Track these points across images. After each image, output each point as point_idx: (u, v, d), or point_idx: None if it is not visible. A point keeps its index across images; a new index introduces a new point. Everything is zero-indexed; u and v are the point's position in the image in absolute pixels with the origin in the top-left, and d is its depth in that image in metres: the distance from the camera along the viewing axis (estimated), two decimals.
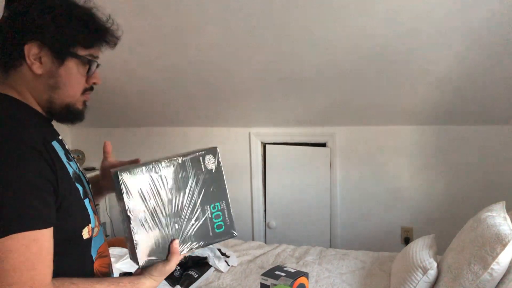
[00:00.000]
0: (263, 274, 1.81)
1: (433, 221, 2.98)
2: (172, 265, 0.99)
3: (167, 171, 0.98)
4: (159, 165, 0.97)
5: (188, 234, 1.00)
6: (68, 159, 0.99)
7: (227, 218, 1.06)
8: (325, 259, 2.47)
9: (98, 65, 1.00)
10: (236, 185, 3.46)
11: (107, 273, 1.06)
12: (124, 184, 0.93)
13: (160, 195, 0.97)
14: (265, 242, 3.27)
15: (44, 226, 0.85)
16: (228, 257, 2.47)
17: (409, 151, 3.00)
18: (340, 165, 3.17)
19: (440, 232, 2.50)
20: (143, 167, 0.96)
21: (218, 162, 1.08)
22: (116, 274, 2.21)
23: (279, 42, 2.28)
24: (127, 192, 0.94)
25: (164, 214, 0.97)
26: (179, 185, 0.99)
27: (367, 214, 3.15)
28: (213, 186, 1.05)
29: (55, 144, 0.95)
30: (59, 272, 0.91)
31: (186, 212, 1.00)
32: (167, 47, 2.43)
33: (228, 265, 2.41)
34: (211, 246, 2.50)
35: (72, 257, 0.96)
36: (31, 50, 0.90)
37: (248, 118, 3.23)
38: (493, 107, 2.61)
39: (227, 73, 2.64)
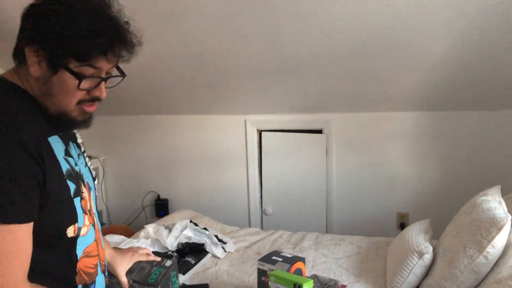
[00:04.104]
0: (260, 260, 1.82)
1: (429, 206, 3.00)
2: None
3: None
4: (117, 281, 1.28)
5: None
6: (68, 154, 0.99)
7: None
8: (321, 245, 2.48)
9: (104, 79, 0.94)
10: (232, 173, 3.47)
11: (92, 274, 1.05)
12: None
13: None
14: (262, 229, 3.28)
15: (22, 220, 0.85)
16: (225, 243, 2.48)
17: (405, 137, 3.01)
18: (336, 151, 3.18)
19: (435, 217, 2.51)
20: (112, 279, 1.26)
21: None
22: None
23: (274, 28, 2.26)
24: None
25: None
26: None
27: (362, 200, 3.17)
28: None
29: (53, 139, 0.95)
30: (40, 266, 0.93)
31: None
32: (161, 35, 2.41)
33: (225, 251, 2.42)
34: (207, 232, 2.51)
35: (55, 253, 0.96)
36: (29, 53, 0.89)
37: (243, 105, 3.22)
38: (488, 92, 2.62)
39: (222, 60, 2.62)
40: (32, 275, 0.91)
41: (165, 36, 2.43)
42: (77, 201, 0.98)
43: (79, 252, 1.00)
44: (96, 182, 1.15)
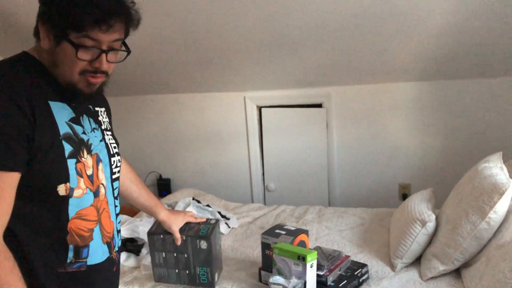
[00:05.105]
0: (264, 233, 1.83)
1: (431, 176, 3.00)
2: None
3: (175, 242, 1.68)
4: (172, 238, 1.67)
5: (183, 277, 1.73)
6: (76, 122, 1.07)
7: (209, 277, 1.70)
8: (324, 217, 2.49)
9: (104, 51, 1.00)
10: (233, 150, 3.46)
11: (85, 237, 1.08)
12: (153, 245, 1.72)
13: (170, 253, 1.70)
14: (264, 205, 3.29)
15: (1, 167, 0.92)
16: (228, 219, 2.49)
17: (406, 107, 2.99)
18: (336, 125, 3.17)
19: (438, 187, 2.51)
20: (167, 236, 1.67)
21: (209, 244, 1.65)
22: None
23: (270, 1, 2.22)
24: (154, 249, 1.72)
25: (173, 264, 1.71)
26: (182, 250, 1.68)
27: (364, 172, 3.17)
28: (203, 257, 1.67)
29: (56, 104, 1.03)
30: (33, 221, 1.01)
31: (184, 266, 1.70)
32: (155, 12, 2.37)
33: (229, 227, 2.44)
34: (210, 209, 2.52)
35: (47, 210, 1.02)
36: (40, 28, 1.00)
37: (242, 82, 3.20)
38: (489, 59, 2.58)
39: (218, 36, 2.59)
40: (26, 230, 1.00)
41: (162, 14, 2.40)
42: (71, 162, 1.03)
43: (72, 212, 1.05)
44: (115, 159, 1.21)
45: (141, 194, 1.52)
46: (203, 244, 1.64)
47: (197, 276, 1.70)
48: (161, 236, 1.68)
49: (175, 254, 1.69)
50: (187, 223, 1.69)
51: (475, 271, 1.59)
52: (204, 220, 1.74)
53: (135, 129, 3.69)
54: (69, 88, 1.03)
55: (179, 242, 1.65)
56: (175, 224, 1.63)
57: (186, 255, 1.68)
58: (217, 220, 1.76)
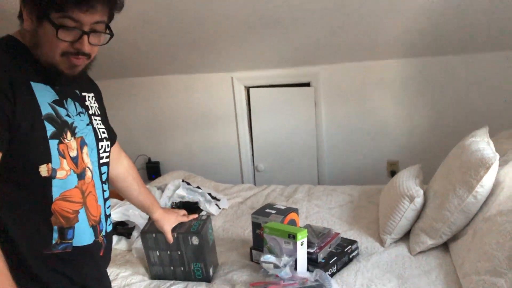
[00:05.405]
0: (254, 213, 1.84)
1: (419, 153, 3.02)
2: None
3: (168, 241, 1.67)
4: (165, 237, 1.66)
5: (178, 274, 1.72)
6: (59, 104, 1.06)
7: (204, 272, 1.69)
8: (314, 196, 2.51)
9: (85, 33, 1.00)
10: (222, 131, 3.45)
11: (70, 218, 1.08)
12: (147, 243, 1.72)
13: (164, 251, 1.70)
14: (254, 185, 3.30)
15: None
16: (218, 200, 2.50)
17: (393, 84, 3.00)
18: (324, 103, 3.17)
19: (426, 163, 2.53)
20: (159, 235, 1.67)
21: (201, 240, 1.64)
22: None
23: None
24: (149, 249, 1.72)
25: (167, 262, 1.71)
26: (175, 247, 1.68)
27: (353, 150, 3.19)
28: (196, 253, 1.66)
29: (38, 85, 1.03)
30: (18, 203, 1.01)
31: (178, 263, 1.70)
32: None
33: (220, 208, 2.44)
34: (200, 190, 2.52)
35: (30, 191, 1.02)
36: (23, 9, 1.01)
37: (229, 62, 3.17)
38: (476, 35, 2.59)
39: (204, 16, 2.55)
40: (10, 211, 1.00)
41: None
42: (53, 142, 1.03)
43: (55, 194, 1.04)
44: (104, 144, 1.20)
45: (141, 192, 1.54)
46: (195, 240, 1.64)
47: (192, 272, 1.70)
48: (154, 235, 1.68)
49: (168, 252, 1.70)
50: (180, 223, 1.70)
51: (463, 244, 1.61)
52: (196, 216, 1.75)
53: (122, 112, 3.65)
54: (51, 69, 1.02)
55: (170, 242, 1.66)
56: (168, 224, 1.64)
57: (179, 252, 1.68)
58: (208, 216, 1.76)
